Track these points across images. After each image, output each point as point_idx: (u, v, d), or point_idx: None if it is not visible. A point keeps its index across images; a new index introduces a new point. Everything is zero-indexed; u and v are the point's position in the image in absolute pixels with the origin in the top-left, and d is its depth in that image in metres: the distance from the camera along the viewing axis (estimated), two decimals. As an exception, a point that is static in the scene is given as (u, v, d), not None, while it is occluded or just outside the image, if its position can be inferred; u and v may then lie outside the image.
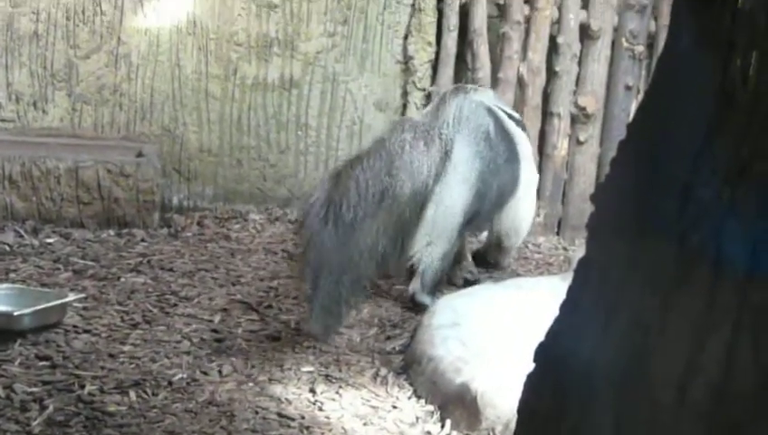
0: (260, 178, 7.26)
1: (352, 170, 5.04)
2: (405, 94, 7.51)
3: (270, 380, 4.34)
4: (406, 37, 7.46)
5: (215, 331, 4.84)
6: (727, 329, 1.80)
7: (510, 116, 6.03)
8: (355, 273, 4.91)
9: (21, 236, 6.11)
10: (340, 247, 4.84)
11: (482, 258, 6.28)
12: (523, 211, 6.10)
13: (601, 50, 7.46)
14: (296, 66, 7.24)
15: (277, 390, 4.26)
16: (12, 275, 5.42)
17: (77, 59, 6.85)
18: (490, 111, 5.80)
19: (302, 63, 7.23)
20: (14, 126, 6.80)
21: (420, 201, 5.33)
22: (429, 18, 7.40)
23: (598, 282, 2.03)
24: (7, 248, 5.92)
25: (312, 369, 4.49)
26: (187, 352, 4.55)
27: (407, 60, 7.46)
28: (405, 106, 7.50)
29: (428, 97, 7.43)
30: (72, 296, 4.93)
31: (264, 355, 4.60)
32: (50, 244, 6.02)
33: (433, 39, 7.42)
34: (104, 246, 6.04)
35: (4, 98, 6.77)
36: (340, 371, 4.49)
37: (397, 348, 4.79)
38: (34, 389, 4.05)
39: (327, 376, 4.43)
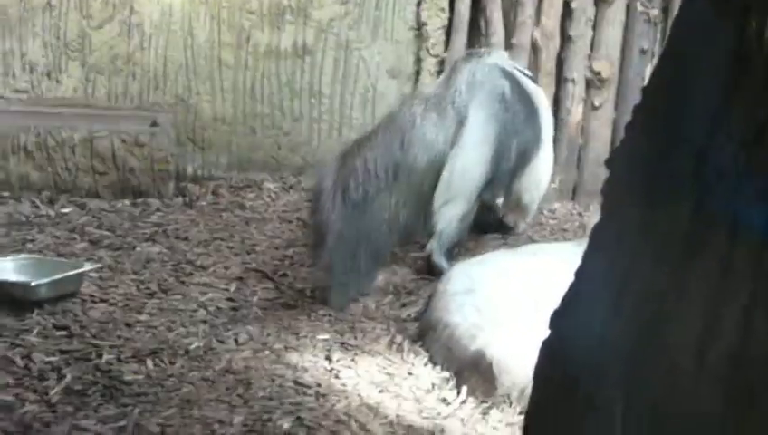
0: (274, 146, 7.25)
1: (360, 149, 5.16)
2: (418, 61, 7.48)
3: (286, 348, 4.35)
4: (419, 4, 7.42)
5: (230, 299, 4.86)
6: (744, 296, 1.79)
7: (526, 75, 6.02)
8: (373, 246, 5.10)
9: (37, 207, 6.13)
10: (354, 224, 5.00)
11: (500, 224, 6.26)
12: (543, 168, 6.12)
13: (616, 14, 7.41)
14: (309, 34, 7.21)
15: (293, 358, 4.27)
16: (28, 246, 5.44)
17: (90, 29, 6.84)
18: (505, 73, 5.79)
19: (314, 31, 7.21)
20: (28, 96, 6.80)
21: (438, 171, 5.33)
22: (442, -16, 7.36)
23: (612, 248, 2.02)
24: (23, 219, 5.95)
25: (327, 337, 4.50)
26: (204, 321, 4.57)
27: (420, 26, 7.43)
28: (418, 73, 7.47)
29: (442, 63, 7.40)
30: (88, 266, 4.95)
31: (279, 323, 4.61)
32: (66, 214, 6.04)
33: (446, 5, 7.38)
34: (120, 216, 6.06)
35: (18, 68, 6.77)
36: (355, 338, 4.50)
37: (412, 315, 4.79)
38: (52, 358, 4.08)
39: (343, 344, 4.44)
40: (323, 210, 4.97)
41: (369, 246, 5.08)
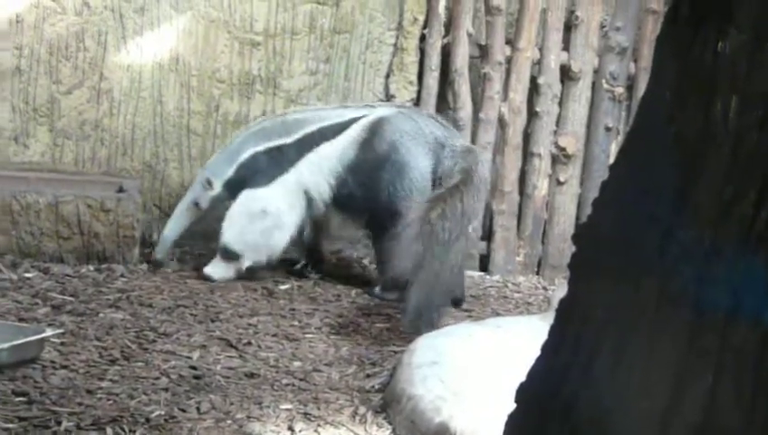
0: (240, 215, 7.25)
1: (451, 196, 5.84)
2: (386, 133, 7.53)
3: (248, 417, 4.31)
4: (388, 76, 7.50)
5: (193, 367, 4.82)
6: (709, 370, 1.80)
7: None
8: (447, 283, 5.80)
9: (-1, 271, 6.09)
10: (436, 262, 5.66)
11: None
12: None
13: (582, 91, 7.51)
14: (279, 103, 7.26)
15: (256, 427, 4.24)
16: (-10, 310, 5.39)
17: (59, 94, 6.86)
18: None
19: (284, 101, 7.26)
20: (-6, 160, 6.79)
21: None
22: (411, 58, 7.45)
23: (579, 322, 2.04)
24: (-14, 283, 5.90)
25: (290, 407, 4.47)
26: (166, 389, 4.52)
27: (388, 99, 7.49)
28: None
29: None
30: (49, 332, 4.90)
31: (242, 392, 4.57)
32: (29, 278, 6.00)
33: (415, 78, 7.46)
34: (83, 282, 6.02)
35: (-14, 132, 6.77)
36: (318, 409, 4.47)
37: (376, 386, 4.77)
38: (11, 425, 4.02)
39: (306, 414, 4.41)
40: (412, 238, 5.69)
41: (444, 282, 5.72)
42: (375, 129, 6.38)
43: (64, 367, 4.65)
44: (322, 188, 6.42)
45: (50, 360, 4.70)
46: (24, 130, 6.80)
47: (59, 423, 4.05)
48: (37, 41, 6.76)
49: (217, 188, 6.45)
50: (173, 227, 6.44)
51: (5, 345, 4.54)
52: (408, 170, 6.35)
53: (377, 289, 6.40)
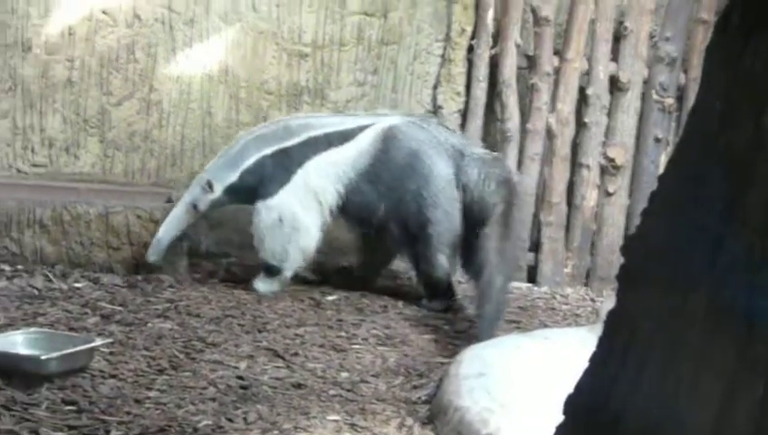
0: (288, 225, 7.27)
1: (514, 205, 6.41)
2: (434, 144, 7.53)
3: (295, 428, 4.31)
4: (435, 87, 7.49)
5: (240, 377, 4.83)
6: (760, 381, 1.78)
7: None
8: (508, 284, 6.31)
9: (50, 281, 6.14)
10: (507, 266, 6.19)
11: None
12: None
13: (631, 102, 7.46)
14: (326, 114, 7.28)
15: (302, 438, 4.24)
16: (40, 319, 5.44)
17: (109, 105, 6.92)
18: None
19: (331, 111, 7.27)
20: (46, 171, 6.85)
21: None
22: (459, 69, 7.44)
23: (628, 333, 2.02)
24: (36, 292, 5.96)
25: (337, 418, 4.46)
26: (213, 399, 4.54)
27: (436, 109, 7.49)
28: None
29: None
30: (99, 341, 4.94)
31: (289, 403, 4.58)
32: (78, 288, 6.05)
33: (462, 89, 7.45)
34: (132, 292, 6.06)
35: (38, 143, 6.83)
36: (365, 420, 4.46)
37: (423, 398, 4.76)
38: (60, 433, 4.05)
39: (353, 425, 4.40)
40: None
41: (508, 282, 6.23)
42: (389, 137, 6.40)
43: (113, 376, 4.68)
44: (329, 195, 6.37)
45: (99, 369, 4.73)
46: (74, 141, 6.86)
47: (107, 432, 4.07)
48: (89, 53, 6.82)
49: (218, 191, 6.36)
50: (168, 229, 6.30)
51: (55, 354, 4.57)
52: (433, 178, 6.38)
53: (424, 300, 6.43)
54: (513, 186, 6.42)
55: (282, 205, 6.34)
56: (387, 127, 6.42)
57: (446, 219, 6.41)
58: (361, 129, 6.41)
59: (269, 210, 6.34)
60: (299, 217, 6.36)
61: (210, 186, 6.32)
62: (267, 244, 6.36)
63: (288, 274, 6.42)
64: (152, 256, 6.25)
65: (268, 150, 6.35)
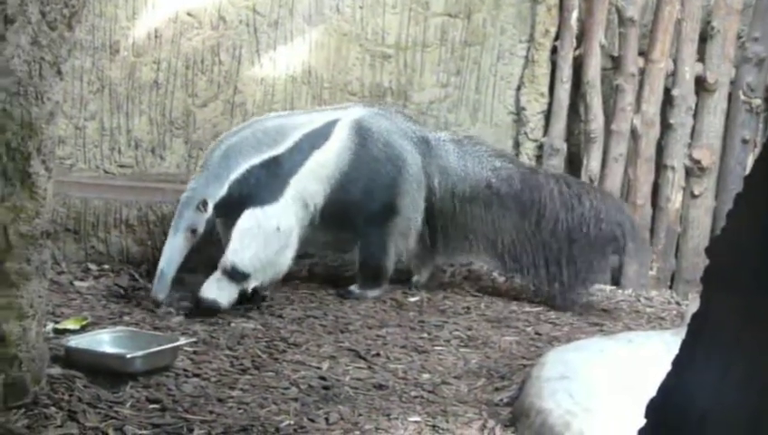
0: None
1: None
2: (517, 145, 7.51)
3: (377, 428, 4.32)
4: (518, 88, 7.47)
5: (322, 378, 4.85)
6: None
7: None
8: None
9: (135, 280, 6.23)
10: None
11: None
12: None
13: (718, 103, 7.36)
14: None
15: (384, 439, 4.24)
16: (125, 318, 5.52)
17: (194, 107, 6.99)
18: None
19: (414, 113, 7.27)
20: (132, 171, 6.94)
21: None
22: (542, 70, 7.40)
23: (712, 337, 1.98)
24: (122, 291, 6.04)
25: (419, 419, 4.46)
26: (295, 399, 4.56)
27: (519, 111, 7.46)
28: (516, 156, 7.49)
29: (541, 148, 7.42)
30: (182, 340, 5.00)
31: (371, 404, 4.58)
32: (163, 288, 6.11)
33: (546, 90, 7.41)
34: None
35: (124, 144, 6.92)
36: (447, 422, 4.45)
37: (504, 400, 4.73)
38: (144, 431, 4.09)
39: (434, 427, 4.39)
40: None
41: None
42: (363, 130, 6.35)
43: (197, 375, 4.73)
44: (318, 197, 6.22)
45: (183, 368, 4.78)
46: (160, 142, 6.94)
47: (191, 431, 4.11)
48: (174, 55, 6.90)
49: (210, 209, 5.89)
50: (170, 262, 5.77)
51: (140, 353, 4.63)
52: (406, 167, 6.41)
53: (356, 287, 6.44)
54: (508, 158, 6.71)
55: (281, 215, 6.00)
56: (356, 120, 6.36)
57: (411, 208, 6.47)
58: (333, 124, 6.29)
59: (267, 218, 5.96)
60: (293, 231, 6.07)
61: (205, 205, 5.86)
62: (253, 251, 5.89)
63: (252, 284, 5.96)
64: (160, 293, 5.71)
65: (256, 160, 5.99)
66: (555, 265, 6.58)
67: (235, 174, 5.92)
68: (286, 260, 6.07)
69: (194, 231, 5.85)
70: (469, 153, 6.62)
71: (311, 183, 6.16)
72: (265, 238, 5.92)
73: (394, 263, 6.55)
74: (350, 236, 6.49)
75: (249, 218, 5.92)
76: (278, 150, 6.04)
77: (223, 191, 5.90)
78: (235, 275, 5.85)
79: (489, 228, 6.63)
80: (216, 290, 5.84)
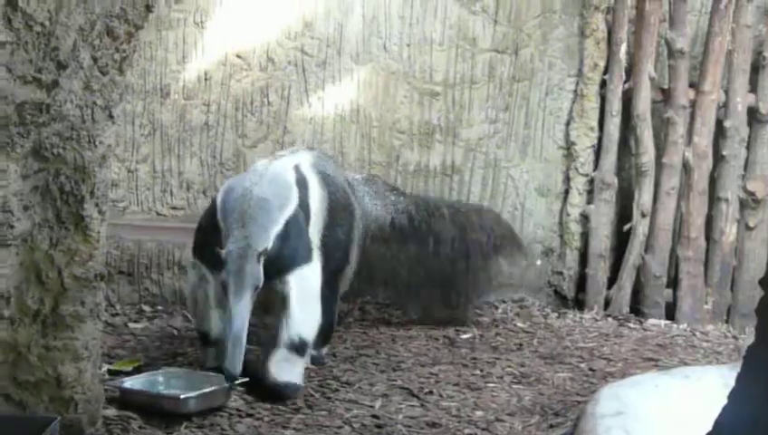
0: (422, 264, 7.28)
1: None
2: (567, 180, 7.48)
3: (431, 467, 4.30)
4: (568, 123, 7.45)
5: (375, 416, 4.84)
6: None
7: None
8: None
9: (188, 321, 6.25)
10: None
11: None
12: None
13: (771, 133, 7.30)
14: (458, 152, 7.29)
15: (438, 477, 4.22)
16: (179, 359, 5.54)
17: (245, 148, 7.03)
18: None
19: (463, 150, 7.28)
20: (183, 213, 6.98)
21: None
22: (592, 104, 7.38)
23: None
24: (175, 332, 6.07)
25: (473, 457, 4.44)
26: (348, 438, 4.55)
27: (569, 145, 7.44)
28: (567, 192, 7.46)
29: (591, 182, 7.38)
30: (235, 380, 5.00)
31: (424, 442, 4.57)
32: (216, 328, 6.13)
33: (595, 124, 7.39)
34: (267, 331, 6.11)
35: (176, 186, 6.97)
36: (501, 459, 4.42)
37: (559, 437, 4.70)
38: (199, 471, 4.11)
39: (488, 464, 4.37)
40: None
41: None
42: (325, 177, 5.73)
43: (250, 415, 4.73)
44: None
45: (236, 408, 4.79)
46: (211, 184, 6.98)
47: (242, 471, 4.11)
48: (224, 96, 6.95)
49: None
50: (243, 327, 4.83)
51: (194, 394, 4.64)
52: (355, 214, 5.99)
53: (315, 352, 5.64)
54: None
55: (318, 271, 5.40)
56: (313, 165, 5.71)
57: (356, 256, 6.03)
58: (298, 168, 5.56)
59: (313, 278, 5.34)
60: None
61: (265, 253, 4.99)
62: (312, 315, 5.24)
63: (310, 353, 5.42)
64: (236, 366, 4.74)
65: (287, 213, 5.19)
66: (453, 284, 6.64)
67: (277, 227, 5.09)
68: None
69: (257, 287, 4.93)
70: (376, 193, 6.43)
71: (315, 236, 5.50)
72: (316, 300, 5.28)
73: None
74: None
75: (300, 282, 5.21)
76: (294, 202, 5.30)
77: (269, 244, 5.01)
78: (304, 347, 5.18)
79: (389, 264, 6.51)
80: (290, 370, 5.11)
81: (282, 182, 5.35)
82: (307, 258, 5.30)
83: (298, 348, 5.13)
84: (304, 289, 5.21)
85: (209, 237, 5.16)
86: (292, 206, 5.25)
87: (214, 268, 5.09)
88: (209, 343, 5.32)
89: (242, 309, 4.84)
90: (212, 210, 5.29)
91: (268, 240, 5.00)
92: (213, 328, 5.27)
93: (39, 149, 3.75)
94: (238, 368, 4.73)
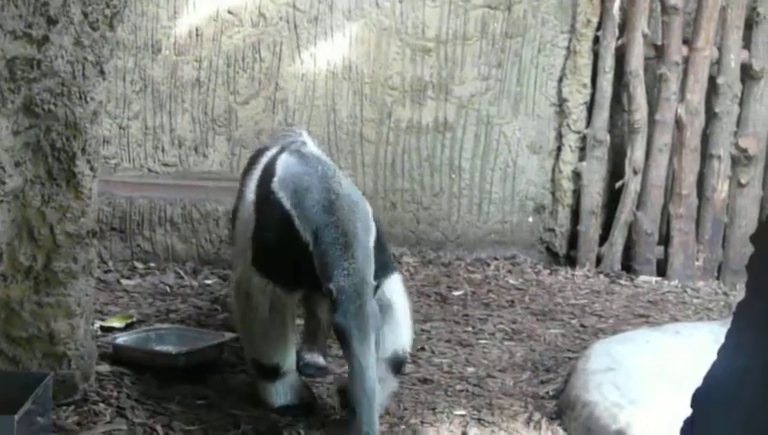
0: (413, 220, 7.29)
1: None
2: (559, 137, 7.48)
3: (422, 422, 4.31)
4: (560, 80, 7.43)
5: (368, 372, 4.83)
6: None
7: None
8: None
9: (181, 277, 6.25)
10: None
11: None
12: None
13: (764, 90, 7.28)
14: (450, 109, 7.27)
15: (429, 432, 4.23)
16: (172, 316, 5.54)
17: (236, 105, 7.01)
18: None
19: (455, 107, 7.26)
20: (175, 170, 6.97)
21: None
22: (584, 60, 7.36)
23: (759, 325, 1.96)
24: (168, 289, 6.07)
25: (464, 412, 4.45)
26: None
27: (561, 102, 7.43)
28: (559, 149, 7.46)
29: (584, 139, 7.38)
30: (228, 336, 5.01)
31: (416, 398, 4.58)
32: (208, 285, 6.15)
33: (588, 81, 7.37)
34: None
35: (167, 142, 6.95)
36: (492, 415, 4.44)
37: (550, 393, 4.72)
38: (192, 427, 4.11)
39: (479, 420, 4.38)
40: None
41: None
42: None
43: (243, 371, 4.73)
44: None
45: (229, 364, 4.79)
46: (203, 140, 6.97)
47: (237, 427, 4.12)
48: (215, 53, 6.92)
49: None
50: (375, 380, 3.87)
51: (187, 350, 4.65)
52: None
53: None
54: None
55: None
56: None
57: None
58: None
59: (403, 287, 4.62)
60: None
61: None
62: (409, 330, 4.55)
63: None
64: (377, 432, 3.80)
65: (371, 212, 4.32)
66: None
67: (373, 238, 4.22)
68: None
69: (378, 329, 4.00)
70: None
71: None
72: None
73: None
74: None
75: (399, 294, 4.48)
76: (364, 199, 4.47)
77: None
78: (403, 362, 4.54)
79: None
80: (389, 390, 4.41)
81: (342, 175, 4.48)
82: (393, 266, 4.58)
83: (399, 364, 4.42)
84: (403, 301, 4.50)
85: (286, 253, 4.20)
86: (367, 204, 4.39)
87: (293, 289, 4.32)
88: (277, 377, 4.39)
89: (370, 359, 3.88)
90: (281, 216, 4.22)
91: (373, 263, 4.09)
92: (288, 360, 4.42)
93: (30, 105, 3.73)
94: (378, 429, 3.83)
